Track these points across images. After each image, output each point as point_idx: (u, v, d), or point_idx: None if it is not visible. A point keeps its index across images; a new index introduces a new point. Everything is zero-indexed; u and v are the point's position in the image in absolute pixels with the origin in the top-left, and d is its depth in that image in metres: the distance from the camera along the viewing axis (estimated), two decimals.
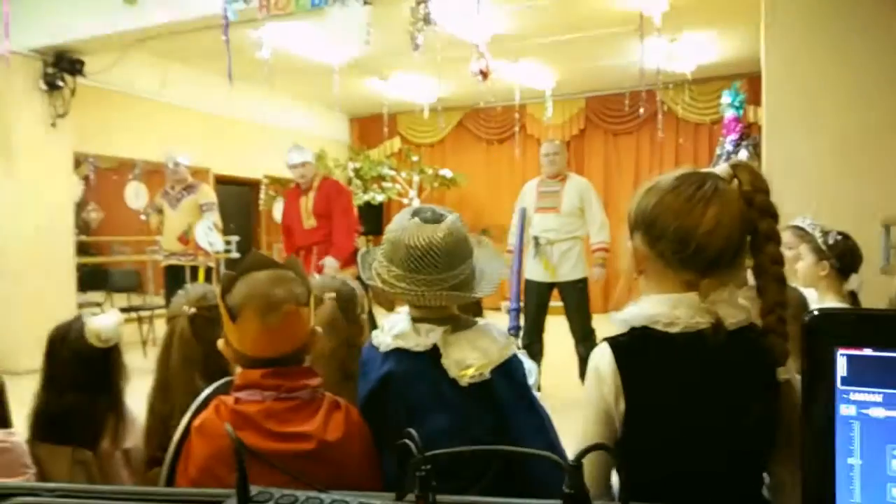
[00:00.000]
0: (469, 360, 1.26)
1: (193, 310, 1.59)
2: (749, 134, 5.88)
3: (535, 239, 4.62)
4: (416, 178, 9.33)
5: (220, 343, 1.28)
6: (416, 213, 1.31)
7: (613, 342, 1.13)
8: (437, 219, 1.29)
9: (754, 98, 7.13)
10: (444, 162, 9.78)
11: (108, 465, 1.63)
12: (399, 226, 1.30)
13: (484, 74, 5.82)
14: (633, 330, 1.12)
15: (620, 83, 8.15)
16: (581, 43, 6.64)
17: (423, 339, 1.29)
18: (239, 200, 8.49)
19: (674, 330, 1.08)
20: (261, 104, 8.02)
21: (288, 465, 1.10)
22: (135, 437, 1.69)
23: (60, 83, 5.74)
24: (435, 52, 5.66)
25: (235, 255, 7.20)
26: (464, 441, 1.17)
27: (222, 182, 7.74)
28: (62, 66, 5.71)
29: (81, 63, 5.79)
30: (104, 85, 6.16)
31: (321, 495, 0.77)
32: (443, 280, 1.26)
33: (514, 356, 1.34)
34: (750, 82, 7.48)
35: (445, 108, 9.49)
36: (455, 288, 1.28)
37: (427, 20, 4.86)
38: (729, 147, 5.84)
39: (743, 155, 5.65)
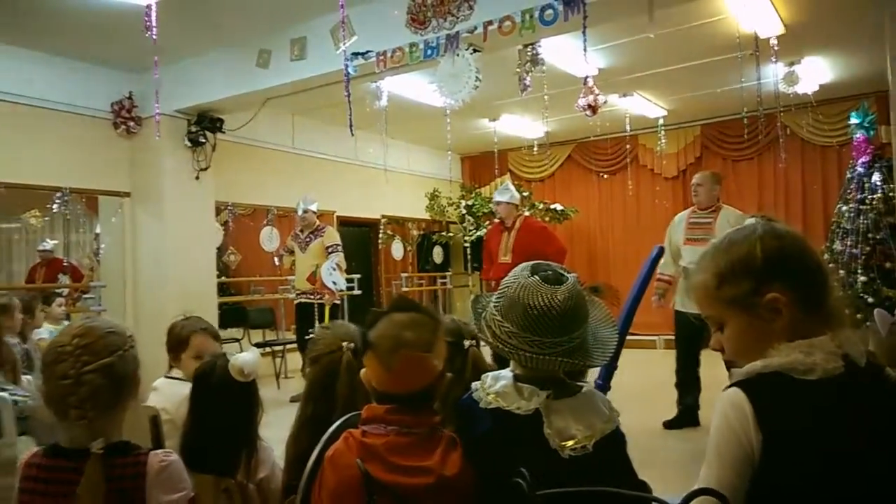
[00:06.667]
0: (572, 430, 1.23)
1: (353, 344, 1.66)
2: (882, 155, 5.45)
3: (686, 270, 4.56)
4: (526, 213, 9.38)
5: (362, 373, 1.35)
6: (535, 270, 1.29)
7: (746, 385, 1.04)
8: (557, 279, 1.27)
9: (884, 117, 6.64)
10: (555, 196, 9.78)
11: (245, 494, 1.72)
12: (517, 282, 1.28)
13: (593, 109, 5.82)
14: (762, 376, 1.04)
15: (737, 108, 7.86)
16: (693, 71, 6.50)
17: (524, 402, 1.25)
18: (360, 240, 8.90)
19: (812, 377, 1.01)
20: (379, 149, 8.44)
21: (409, 497, 1.19)
22: (267, 468, 1.78)
23: (203, 140, 6.29)
24: (543, 90, 5.74)
25: (357, 292, 7.53)
26: None
27: (345, 223, 8.17)
28: (204, 124, 6.26)
29: (221, 121, 6.33)
30: (240, 140, 6.71)
31: None
32: (556, 344, 1.24)
33: (618, 429, 1.30)
34: (878, 101, 6.98)
35: (554, 143, 9.53)
36: (567, 353, 1.24)
37: (535, 61, 4.96)
38: (860, 169, 5.44)
39: (876, 178, 5.26)
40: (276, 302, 7.64)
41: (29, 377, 3.50)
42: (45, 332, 4.23)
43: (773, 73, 5.96)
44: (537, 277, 1.27)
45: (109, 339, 1.38)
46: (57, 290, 5.74)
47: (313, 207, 6.18)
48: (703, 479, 1.05)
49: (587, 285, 1.43)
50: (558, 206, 9.37)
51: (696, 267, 1.17)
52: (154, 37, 4.28)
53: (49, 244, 7.18)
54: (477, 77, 4.44)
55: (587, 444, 1.22)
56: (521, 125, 8.55)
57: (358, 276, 7.75)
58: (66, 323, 4.75)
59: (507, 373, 1.33)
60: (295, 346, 6.53)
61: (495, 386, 1.31)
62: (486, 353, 1.69)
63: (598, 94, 5.83)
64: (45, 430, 2.75)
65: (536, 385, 1.27)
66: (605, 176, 9.68)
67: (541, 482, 1.00)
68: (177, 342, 2.43)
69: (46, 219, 6.74)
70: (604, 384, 1.73)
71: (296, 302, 6.17)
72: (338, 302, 6.14)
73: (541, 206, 9.36)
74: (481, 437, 1.28)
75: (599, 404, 1.31)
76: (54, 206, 5.99)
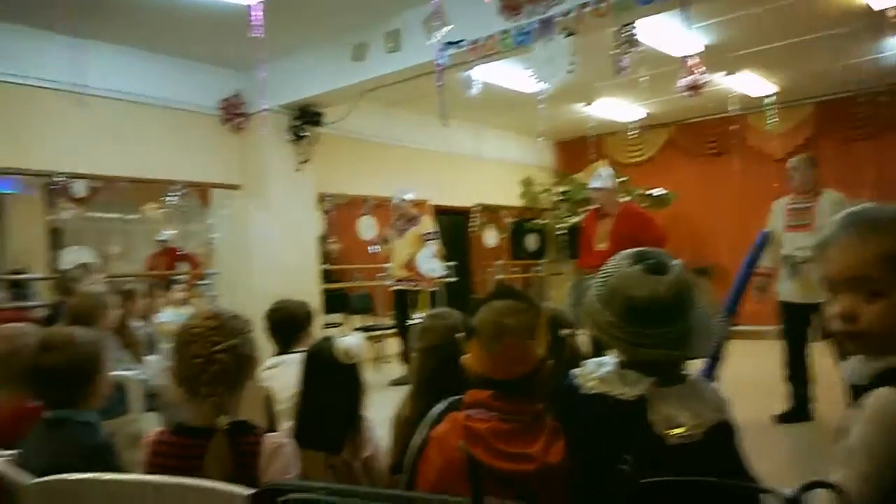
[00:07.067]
0: (679, 418, 1.19)
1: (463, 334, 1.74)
2: None
3: (788, 258, 4.34)
4: (625, 199, 9.15)
5: (465, 359, 1.38)
6: (639, 258, 1.26)
7: None
8: (661, 269, 1.23)
9: None
10: (655, 181, 9.46)
11: (352, 471, 1.80)
12: (619, 271, 1.26)
13: (695, 89, 5.60)
14: None
15: (854, 84, 7.32)
16: (806, 46, 6.10)
17: (628, 388, 1.23)
18: (454, 228, 8.97)
19: None
20: (471, 137, 8.48)
21: (511, 483, 1.20)
22: (371, 447, 1.85)
23: (304, 133, 6.56)
24: (640, 72, 5.56)
25: (452, 279, 7.62)
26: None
27: (440, 212, 8.26)
28: (305, 118, 6.52)
29: (320, 115, 6.56)
30: (339, 132, 6.90)
31: None
32: (659, 335, 1.21)
33: (728, 419, 1.26)
34: None
35: (654, 125, 9.22)
36: (671, 344, 1.21)
37: (632, 42, 4.82)
38: None
39: None
40: (375, 288, 7.86)
41: (153, 357, 3.79)
42: (166, 316, 4.56)
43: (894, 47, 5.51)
44: (640, 267, 1.24)
45: (234, 322, 1.51)
46: (176, 277, 6.14)
47: (409, 197, 6.30)
48: (847, 477, 0.98)
49: (693, 267, 1.37)
50: (657, 192, 9.07)
51: (866, 225, 1.04)
52: (259, 35, 4.49)
53: (166, 234, 7.69)
54: (571, 61, 4.37)
55: (695, 433, 1.18)
56: (617, 108, 8.33)
57: (452, 263, 7.84)
58: (185, 307, 5.11)
59: (610, 359, 1.32)
60: (392, 331, 6.70)
61: (598, 372, 1.29)
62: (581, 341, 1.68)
63: (700, 73, 5.61)
64: (170, 409, 2.99)
65: (641, 371, 1.25)
66: (709, 159, 9.27)
67: (644, 469, 0.96)
68: (308, 319, 2.66)
69: (164, 211, 7.21)
70: (709, 375, 1.64)
71: (393, 289, 6.32)
72: (434, 289, 6.25)
73: (638, 191, 9.10)
74: (582, 423, 1.27)
75: (708, 393, 1.27)
76: (171, 198, 6.41)
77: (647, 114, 8.61)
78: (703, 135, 9.22)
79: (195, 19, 5.22)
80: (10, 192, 7.17)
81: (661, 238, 4.90)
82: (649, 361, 1.25)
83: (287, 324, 2.59)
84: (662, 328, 1.21)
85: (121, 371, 2.93)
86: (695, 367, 1.60)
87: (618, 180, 5.73)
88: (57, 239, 7.47)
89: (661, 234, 5.06)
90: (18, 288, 6.11)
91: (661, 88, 6.78)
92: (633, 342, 1.23)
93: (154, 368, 3.54)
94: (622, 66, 4.89)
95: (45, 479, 1.32)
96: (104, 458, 1.62)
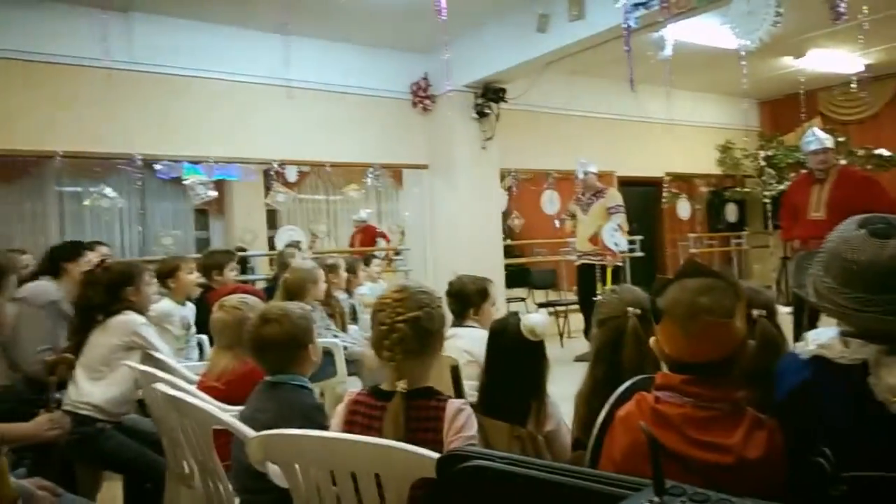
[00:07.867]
0: None
1: (639, 311, 1.69)
2: None
3: None
4: (842, 162, 8.16)
5: (652, 341, 1.34)
6: (865, 223, 1.18)
7: None
8: (888, 233, 1.15)
9: None
10: (880, 140, 8.31)
11: (536, 443, 1.84)
12: (841, 236, 1.20)
13: None
14: None
15: None
16: None
17: (849, 351, 1.17)
18: (642, 200, 8.63)
19: None
20: (662, 102, 8.04)
21: (703, 473, 1.14)
22: (554, 422, 1.87)
23: (488, 111, 6.66)
24: (861, 16, 4.89)
25: (639, 254, 7.35)
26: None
27: (625, 183, 7.97)
28: (488, 96, 6.61)
29: (503, 91, 6.61)
30: (521, 107, 6.89)
31: (732, 498, 0.77)
32: (883, 301, 1.13)
33: None
34: None
35: (879, 77, 8.09)
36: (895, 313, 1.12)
37: None
38: None
39: None
40: (558, 263, 7.82)
41: (355, 327, 4.13)
42: (365, 289, 4.92)
43: None
44: (865, 231, 1.16)
45: (419, 297, 1.61)
46: (374, 253, 6.61)
47: (593, 169, 6.16)
48: None
49: None
50: (884, 152, 7.96)
51: None
52: (443, 17, 4.61)
53: (363, 214, 8.30)
54: (777, 12, 3.95)
55: None
56: (833, 60, 7.41)
57: (640, 237, 7.55)
58: (381, 281, 5.48)
59: (833, 329, 1.24)
60: (576, 306, 6.64)
61: (820, 339, 1.22)
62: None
63: None
64: (369, 374, 3.24)
65: (867, 339, 1.16)
66: None
67: (858, 440, 0.91)
68: (479, 295, 2.74)
69: (362, 192, 7.76)
70: None
71: (577, 263, 6.25)
72: (620, 264, 6.08)
73: (862, 152, 8.05)
74: (798, 386, 1.21)
75: None
76: (367, 180, 6.87)
77: (867, 65, 7.55)
78: None
79: (384, 7, 5.50)
80: (234, 178, 8.18)
81: (893, 203, 4.29)
82: (876, 330, 1.15)
83: (458, 298, 2.69)
84: (889, 294, 1.12)
85: (329, 338, 3.25)
86: None
87: (835, 139, 5.09)
88: (273, 219, 8.38)
89: (892, 198, 4.42)
90: (243, 263, 6.95)
91: (888, 34, 5.92)
92: (855, 309, 1.15)
93: (355, 337, 3.87)
94: (839, 10, 4.33)
95: (268, 432, 1.51)
96: (316, 417, 1.82)
